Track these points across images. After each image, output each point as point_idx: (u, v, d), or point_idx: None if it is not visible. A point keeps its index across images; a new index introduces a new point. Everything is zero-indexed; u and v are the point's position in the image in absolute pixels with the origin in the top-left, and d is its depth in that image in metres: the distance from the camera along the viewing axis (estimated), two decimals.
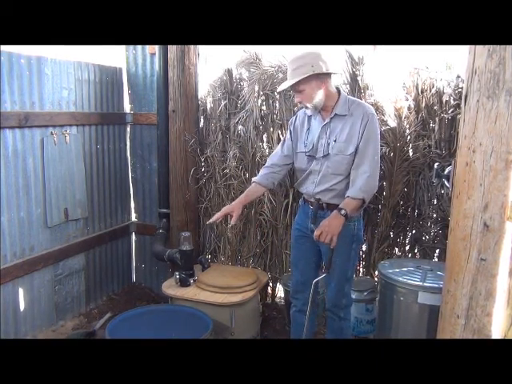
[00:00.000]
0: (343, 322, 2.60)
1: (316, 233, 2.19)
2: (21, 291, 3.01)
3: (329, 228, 2.20)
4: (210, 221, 2.61)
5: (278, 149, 2.66)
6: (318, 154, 2.44)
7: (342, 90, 2.45)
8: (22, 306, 3.03)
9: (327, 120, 2.41)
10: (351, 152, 2.35)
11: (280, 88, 2.44)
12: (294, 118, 2.63)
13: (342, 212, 2.23)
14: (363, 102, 2.54)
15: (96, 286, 3.71)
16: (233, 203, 2.57)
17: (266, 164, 2.67)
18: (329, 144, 2.39)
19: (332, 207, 2.39)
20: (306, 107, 2.39)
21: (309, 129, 2.51)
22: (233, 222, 2.49)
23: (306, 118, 2.54)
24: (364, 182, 2.30)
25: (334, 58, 2.38)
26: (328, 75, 2.35)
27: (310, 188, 2.50)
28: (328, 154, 2.40)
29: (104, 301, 3.78)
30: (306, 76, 2.25)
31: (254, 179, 2.65)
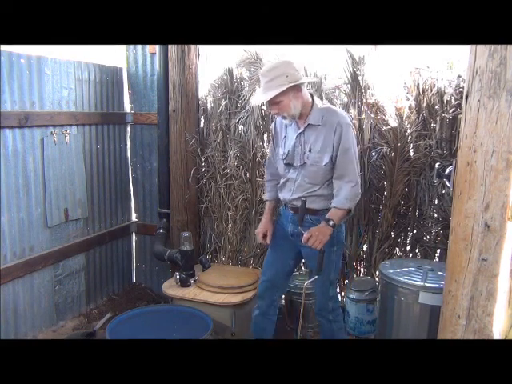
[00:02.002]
0: (333, 325, 2.60)
1: (305, 235, 2.19)
2: (21, 291, 3.01)
3: (319, 233, 2.22)
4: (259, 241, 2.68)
5: (269, 158, 2.67)
6: (295, 163, 2.44)
7: (314, 97, 2.41)
8: (22, 306, 3.03)
9: (301, 129, 2.39)
10: (326, 163, 2.34)
11: (255, 102, 2.39)
12: (274, 123, 2.60)
13: (331, 223, 2.26)
14: (338, 109, 2.45)
15: (96, 286, 3.71)
16: (263, 222, 2.64)
17: (266, 178, 2.71)
18: (304, 153, 2.37)
19: (311, 212, 2.41)
20: (284, 117, 2.36)
21: (285, 136, 2.49)
22: (268, 241, 2.58)
23: (283, 125, 2.52)
24: (348, 191, 2.31)
25: (303, 65, 2.36)
26: (302, 83, 2.32)
27: (286, 196, 2.51)
28: (304, 163, 2.39)
29: (104, 301, 3.78)
30: (284, 89, 2.20)
31: (265, 198, 2.72)
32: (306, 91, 2.35)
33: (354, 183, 2.31)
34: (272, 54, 3.39)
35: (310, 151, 2.36)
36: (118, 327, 2.61)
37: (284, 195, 2.53)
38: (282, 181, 2.56)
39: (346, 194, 2.30)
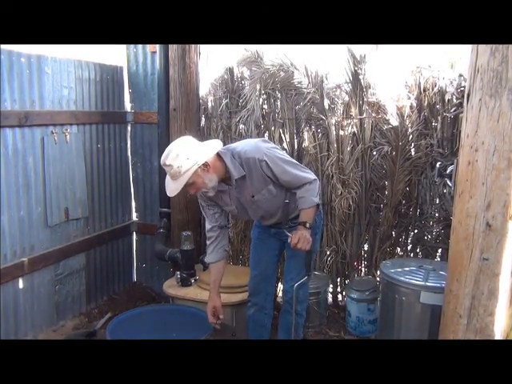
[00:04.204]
0: (298, 318, 2.59)
1: (293, 241, 2.17)
2: (21, 291, 3.00)
3: (305, 236, 2.20)
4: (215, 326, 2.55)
5: (210, 217, 2.51)
6: (249, 207, 2.42)
7: (221, 154, 2.25)
8: (22, 306, 3.02)
9: (234, 185, 2.32)
10: (275, 192, 2.33)
11: (170, 194, 2.23)
12: (200, 199, 2.48)
13: (307, 225, 2.25)
14: (246, 147, 2.28)
15: (97, 286, 3.70)
16: (210, 297, 2.54)
17: (208, 240, 2.56)
18: (253, 196, 2.33)
19: (292, 218, 2.44)
20: (206, 193, 2.29)
21: (221, 197, 2.41)
22: (221, 317, 2.51)
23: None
24: (311, 190, 2.30)
25: (196, 146, 2.19)
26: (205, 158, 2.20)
27: (267, 223, 2.55)
28: (256, 203, 2.37)
29: (105, 300, 3.77)
30: (191, 175, 2.12)
31: (207, 261, 2.58)
32: (212, 159, 2.20)
33: (309, 181, 2.30)
34: (273, 53, 3.39)
35: (253, 196, 2.33)
36: (119, 327, 2.60)
37: (264, 223, 2.57)
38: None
39: (309, 193, 2.29)
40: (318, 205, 2.34)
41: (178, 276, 3.22)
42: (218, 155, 2.24)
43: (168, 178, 2.21)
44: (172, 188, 2.20)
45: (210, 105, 3.66)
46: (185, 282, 3.20)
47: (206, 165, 2.16)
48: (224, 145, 2.34)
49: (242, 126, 3.53)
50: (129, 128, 3.92)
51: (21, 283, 2.99)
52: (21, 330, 3.02)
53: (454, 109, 3.02)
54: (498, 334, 1.73)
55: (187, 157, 2.11)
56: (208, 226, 2.51)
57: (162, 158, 2.16)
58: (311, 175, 2.34)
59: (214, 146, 2.24)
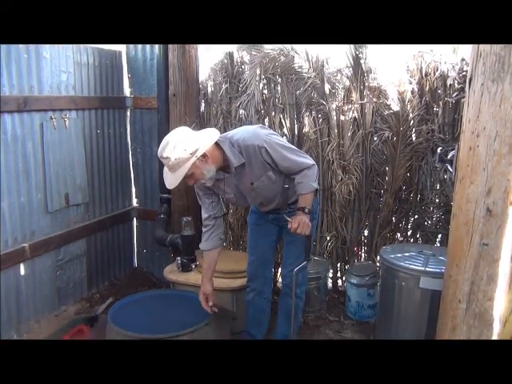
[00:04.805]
0: (298, 301, 2.61)
1: (293, 226, 2.18)
2: (23, 276, 3.02)
3: (305, 221, 2.21)
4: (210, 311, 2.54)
5: (207, 205, 2.50)
6: (248, 194, 2.42)
7: (220, 142, 2.23)
8: (24, 292, 3.04)
9: (233, 173, 2.31)
10: (274, 178, 2.32)
11: (169, 186, 2.21)
12: (196, 188, 2.46)
13: (306, 210, 2.25)
14: (245, 135, 2.26)
15: (98, 271, 3.72)
16: (202, 282, 2.56)
17: (204, 227, 2.55)
18: (252, 183, 2.33)
19: (291, 203, 2.44)
20: (204, 183, 2.28)
21: (218, 186, 2.39)
22: (211, 303, 2.52)
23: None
24: (309, 176, 2.29)
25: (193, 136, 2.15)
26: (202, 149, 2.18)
27: (264, 209, 2.55)
28: (255, 190, 2.36)
29: (106, 286, 3.80)
30: (190, 166, 2.11)
31: (202, 247, 2.58)
32: (210, 148, 2.18)
33: (308, 166, 2.30)
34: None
35: (252, 183, 2.32)
36: (120, 312, 2.61)
37: (262, 210, 2.57)
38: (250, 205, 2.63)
39: (308, 179, 2.29)
40: (316, 190, 2.35)
41: (179, 261, 3.24)
42: (216, 144, 2.23)
43: (166, 169, 2.20)
44: (171, 180, 2.18)
45: (209, 90, 3.63)
46: (185, 268, 3.21)
47: (204, 155, 2.15)
48: (224, 131, 2.33)
49: (242, 111, 3.51)
50: (128, 113, 3.91)
51: (22, 269, 3.01)
52: (23, 315, 3.05)
53: (455, 94, 3.00)
54: (497, 319, 1.74)
55: (185, 148, 2.09)
56: (205, 214, 2.51)
57: (159, 150, 2.15)
58: (310, 160, 2.33)
59: (212, 135, 2.22)
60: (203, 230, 2.55)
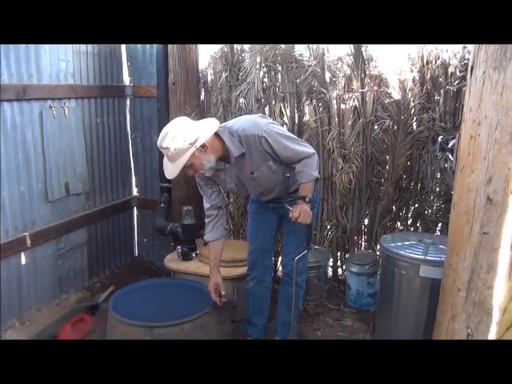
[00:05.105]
0: (298, 290, 2.61)
1: (294, 215, 2.18)
2: (24, 265, 3.03)
3: (305, 210, 2.21)
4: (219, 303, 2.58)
5: (208, 195, 2.50)
6: (248, 184, 2.41)
7: (219, 132, 2.22)
8: (25, 281, 3.05)
9: (233, 163, 2.29)
10: (274, 168, 2.32)
11: (170, 175, 2.20)
12: (197, 178, 2.46)
13: (307, 199, 2.25)
14: (245, 124, 2.24)
15: (98, 260, 3.74)
16: (211, 274, 2.59)
17: (207, 218, 2.55)
18: (252, 173, 2.32)
19: (291, 192, 2.44)
20: (204, 173, 2.27)
21: (218, 176, 2.39)
22: (223, 292, 2.57)
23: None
24: (310, 164, 2.29)
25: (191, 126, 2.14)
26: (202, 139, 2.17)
27: (265, 199, 2.54)
28: (256, 180, 2.35)
29: (107, 275, 3.81)
30: (190, 157, 2.10)
31: (206, 239, 2.60)
32: (209, 139, 2.16)
33: (308, 155, 2.29)
34: None
35: (252, 173, 2.31)
36: (121, 300, 2.62)
37: (262, 199, 2.56)
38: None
39: (309, 167, 2.28)
40: (317, 179, 2.34)
41: (179, 250, 3.24)
42: (216, 134, 2.22)
43: (165, 160, 2.19)
44: (170, 170, 2.18)
45: (209, 78, 3.61)
46: (186, 256, 3.22)
47: (203, 146, 2.14)
48: (224, 120, 2.32)
49: (242, 99, 3.49)
50: (128, 102, 3.89)
51: (23, 258, 3.02)
52: (24, 304, 3.07)
53: (457, 82, 2.98)
54: (497, 307, 1.74)
55: (184, 138, 2.08)
56: (207, 205, 2.51)
57: (159, 140, 2.14)
58: (310, 149, 2.33)
59: (211, 125, 2.20)
60: (206, 220, 2.55)
